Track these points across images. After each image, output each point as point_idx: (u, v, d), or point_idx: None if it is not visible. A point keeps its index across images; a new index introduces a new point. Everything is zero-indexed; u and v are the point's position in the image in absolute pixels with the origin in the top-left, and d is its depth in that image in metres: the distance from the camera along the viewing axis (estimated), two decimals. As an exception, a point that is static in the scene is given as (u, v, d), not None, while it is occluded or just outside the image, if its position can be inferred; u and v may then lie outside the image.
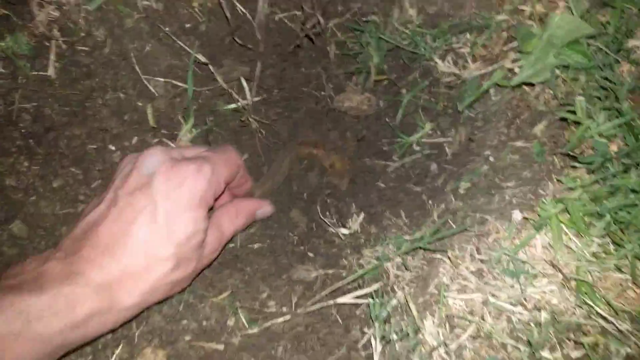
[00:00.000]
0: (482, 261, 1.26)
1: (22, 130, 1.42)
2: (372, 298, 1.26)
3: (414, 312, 1.19)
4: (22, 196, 1.41)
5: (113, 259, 1.08)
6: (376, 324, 1.11)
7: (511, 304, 1.15)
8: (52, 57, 1.47)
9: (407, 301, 1.22)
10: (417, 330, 1.16)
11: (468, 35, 1.66)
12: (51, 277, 1.02)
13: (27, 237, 1.39)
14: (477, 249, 1.29)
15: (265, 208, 1.49)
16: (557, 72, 1.44)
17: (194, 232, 1.16)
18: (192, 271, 1.21)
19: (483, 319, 1.14)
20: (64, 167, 1.47)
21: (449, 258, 1.26)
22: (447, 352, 1.12)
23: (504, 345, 1.10)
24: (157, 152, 1.21)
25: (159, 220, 1.12)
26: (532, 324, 1.12)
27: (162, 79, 1.63)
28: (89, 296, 1.03)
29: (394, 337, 1.10)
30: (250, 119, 1.65)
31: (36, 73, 1.44)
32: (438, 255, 1.34)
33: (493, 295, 1.16)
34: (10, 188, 1.39)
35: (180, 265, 1.15)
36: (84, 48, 1.54)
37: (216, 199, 1.26)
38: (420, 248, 1.31)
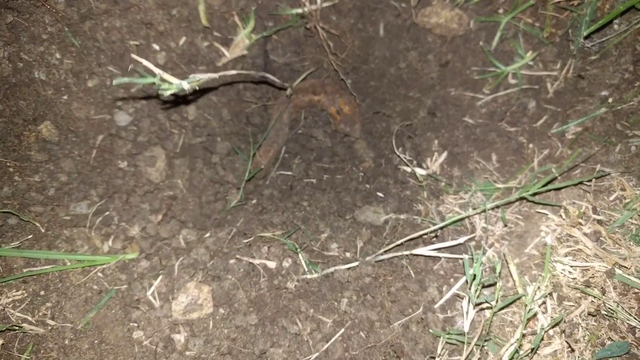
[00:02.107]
0: (599, 222, 1.03)
1: (55, 15, 1.18)
2: (470, 258, 1.05)
3: (515, 277, 0.98)
4: (52, 94, 1.19)
5: None
6: (472, 288, 0.91)
7: (641, 279, 0.93)
8: None
9: (506, 262, 1.01)
10: (517, 299, 0.95)
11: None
12: None
13: (57, 142, 1.19)
14: (594, 208, 1.05)
15: None
16: None
17: None
18: None
19: (604, 294, 0.92)
20: (101, 64, 1.25)
21: (562, 214, 1.03)
22: (554, 329, 0.92)
23: (632, 329, 0.89)
24: None
25: None
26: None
27: (218, -30, 1.36)
28: None
29: (493, 304, 0.90)
30: (317, 27, 1.38)
31: (72, -55, 1.19)
32: (539, 210, 1.12)
33: (620, 267, 0.94)
34: (39, 82, 1.18)
35: None
36: None
37: None
38: (525, 199, 1.08)
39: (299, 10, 1.39)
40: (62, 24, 1.19)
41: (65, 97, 1.21)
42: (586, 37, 1.31)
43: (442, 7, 1.44)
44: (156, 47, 1.32)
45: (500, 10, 1.43)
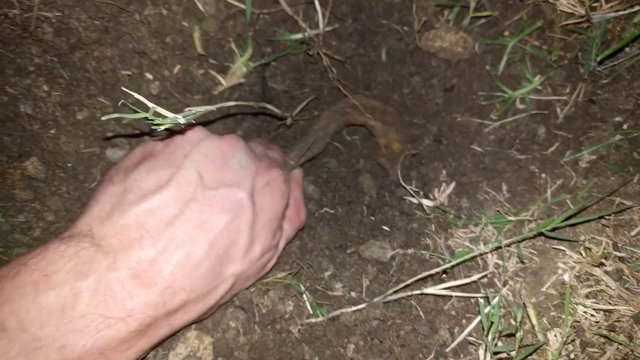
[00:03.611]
0: (621, 260, 0.97)
1: (42, 45, 1.13)
2: (485, 297, 0.98)
3: (535, 321, 0.92)
4: (39, 128, 1.14)
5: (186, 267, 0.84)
6: (489, 335, 0.84)
7: (671, 325, 0.87)
8: (82, -46, 1.16)
9: (524, 305, 0.94)
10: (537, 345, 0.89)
11: (601, -34, 1.30)
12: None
13: (44, 179, 1.13)
14: (615, 244, 0.99)
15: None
16: None
17: (274, 244, 1.02)
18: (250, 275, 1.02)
19: (632, 340, 0.86)
20: (91, 95, 1.19)
21: (582, 251, 0.97)
22: (578, 379, 0.86)
23: (664, 382, 0.82)
24: (241, 144, 0.98)
25: (256, 228, 0.93)
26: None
27: (213, -5, 1.31)
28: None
29: (513, 354, 0.83)
30: (320, 54, 1.33)
31: (61, -27, 1.14)
32: (555, 245, 1.06)
33: (647, 311, 0.87)
34: (25, 117, 1.12)
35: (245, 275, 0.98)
36: (120, -53, 1.22)
37: None
38: (543, 235, 1.02)
39: (299, 36, 1.34)
40: (51, 54, 1.14)
41: (52, 131, 1.15)
42: (600, 63, 1.26)
43: (446, 30, 1.39)
44: (149, 76, 1.26)
45: (506, 33, 1.38)
